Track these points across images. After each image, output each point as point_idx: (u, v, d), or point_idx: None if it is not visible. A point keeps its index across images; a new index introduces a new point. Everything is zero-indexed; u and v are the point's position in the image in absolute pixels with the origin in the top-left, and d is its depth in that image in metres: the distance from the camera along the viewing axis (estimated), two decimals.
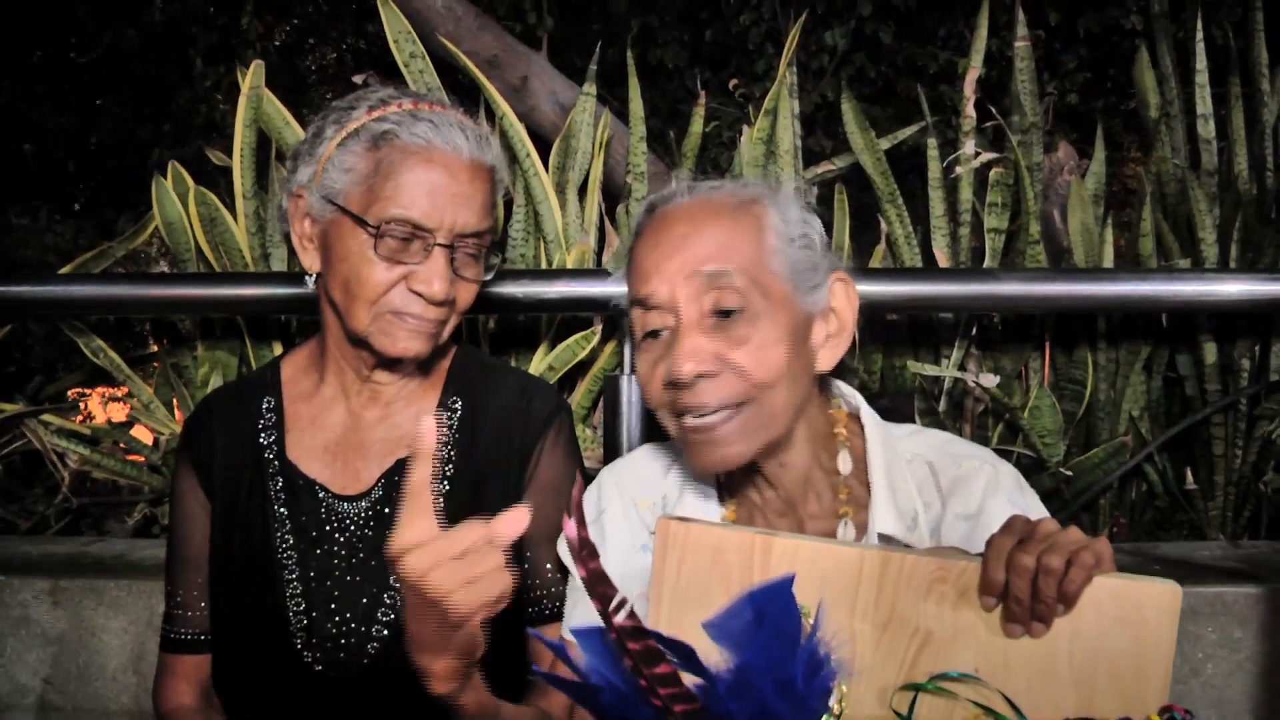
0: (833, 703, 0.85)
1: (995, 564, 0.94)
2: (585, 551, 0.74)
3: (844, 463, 1.25)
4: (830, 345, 1.22)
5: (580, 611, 1.31)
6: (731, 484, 1.29)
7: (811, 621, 0.81)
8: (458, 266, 1.32)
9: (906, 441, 1.27)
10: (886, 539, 1.19)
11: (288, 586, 1.33)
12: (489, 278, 1.40)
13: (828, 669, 0.80)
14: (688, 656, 0.76)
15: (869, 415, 1.28)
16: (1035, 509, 1.20)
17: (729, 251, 1.15)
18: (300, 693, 1.32)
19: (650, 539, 1.25)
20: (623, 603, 0.74)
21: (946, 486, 1.23)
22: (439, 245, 1.29)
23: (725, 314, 1.14)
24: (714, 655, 0.78)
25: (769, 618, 0.75)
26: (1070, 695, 0.91)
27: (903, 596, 0.97)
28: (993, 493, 1.20)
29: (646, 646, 0.74)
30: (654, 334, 1.19)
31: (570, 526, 0.75)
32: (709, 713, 0.77)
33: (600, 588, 0.74)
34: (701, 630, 0.78)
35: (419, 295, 1.29)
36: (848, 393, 1.31)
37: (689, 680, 0.77)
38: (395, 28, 2.12)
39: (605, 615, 0.74)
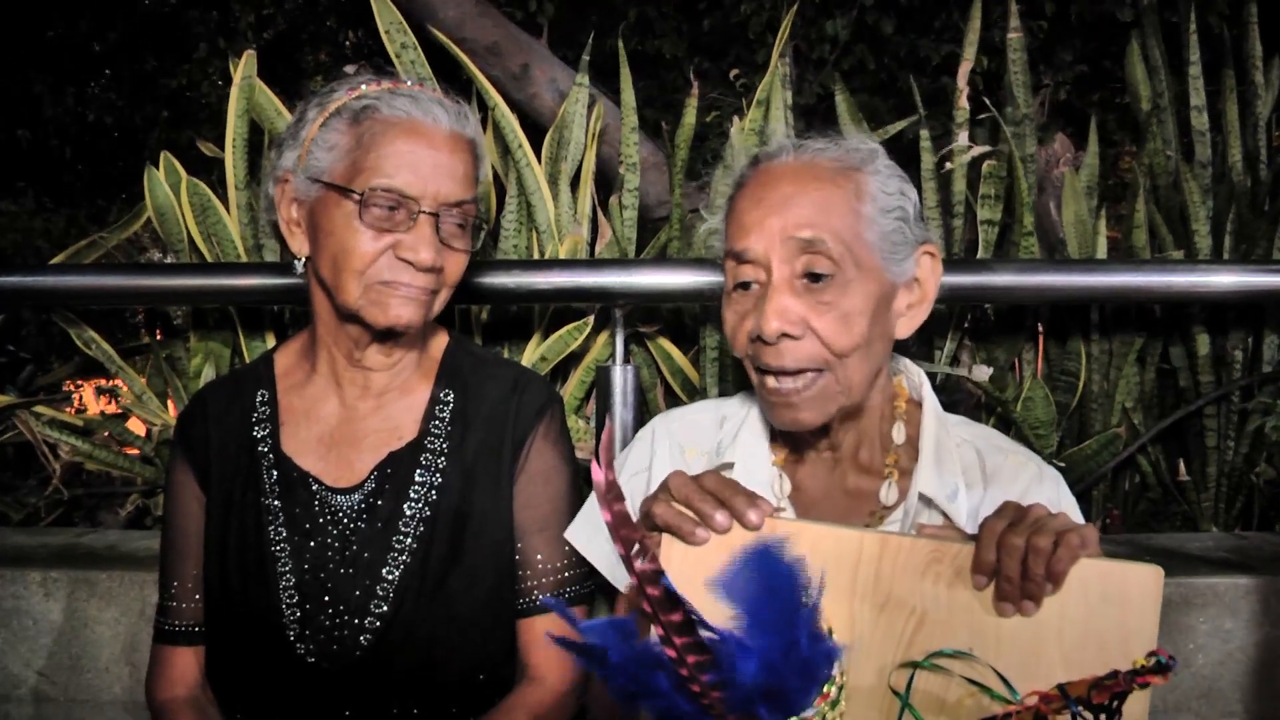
0: (835, 673, 0.86)
1: (987, 545, 0.98)
2: (611, 495, 0.75)
3: (899, 432, 1.30)
4: (911, 314, 1.26)
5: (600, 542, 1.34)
6: (787, 433, 1.32)
7: (813, 593, 0.82)
8: (444, 236, 1.32)
9: (959, 428, 1.32)
10: (926, 501, 1.24)
11: (281, 579, 1.34)
12: (477, 247, 1.42)
13: (829, 635, 0.81)
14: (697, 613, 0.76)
15: (930, 397, 1.32)
16: (1072, 512, 1.23)
17: (827, 217, 1.17)
18: (294, 684, 1.32)
19: None
20: (645, 547, 0.74)
21: (990, 472, 1.27)
22: (424, 213, 1.30)
23: (815, 278, 1.17)
24: (725, 611, 0.80)
25: (777, 572, 0.77)
26: (1059, 672, 0.95)
27: (900, 577, 1.00)
28: (1035, 490, 1.25)
29: (665, 593, 0.74)
30: (745, 285, 1.22)
31: (597, 470, 0.76)
32: (720, 666, 0.77)
33: (624, 531, 0.75)
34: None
35: (407, 263, 1.30)
36: (913, 371, 1.35)
37: (703, 633, 0.78)
38: (386, 19, 2.12)
39: (627, 560, 0.74)
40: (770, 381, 1.20)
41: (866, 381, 1.22)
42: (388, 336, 1.37)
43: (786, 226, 1.17)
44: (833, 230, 1.16)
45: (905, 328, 1.26)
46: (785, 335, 1.16)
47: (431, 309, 1.36)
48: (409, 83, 1.37)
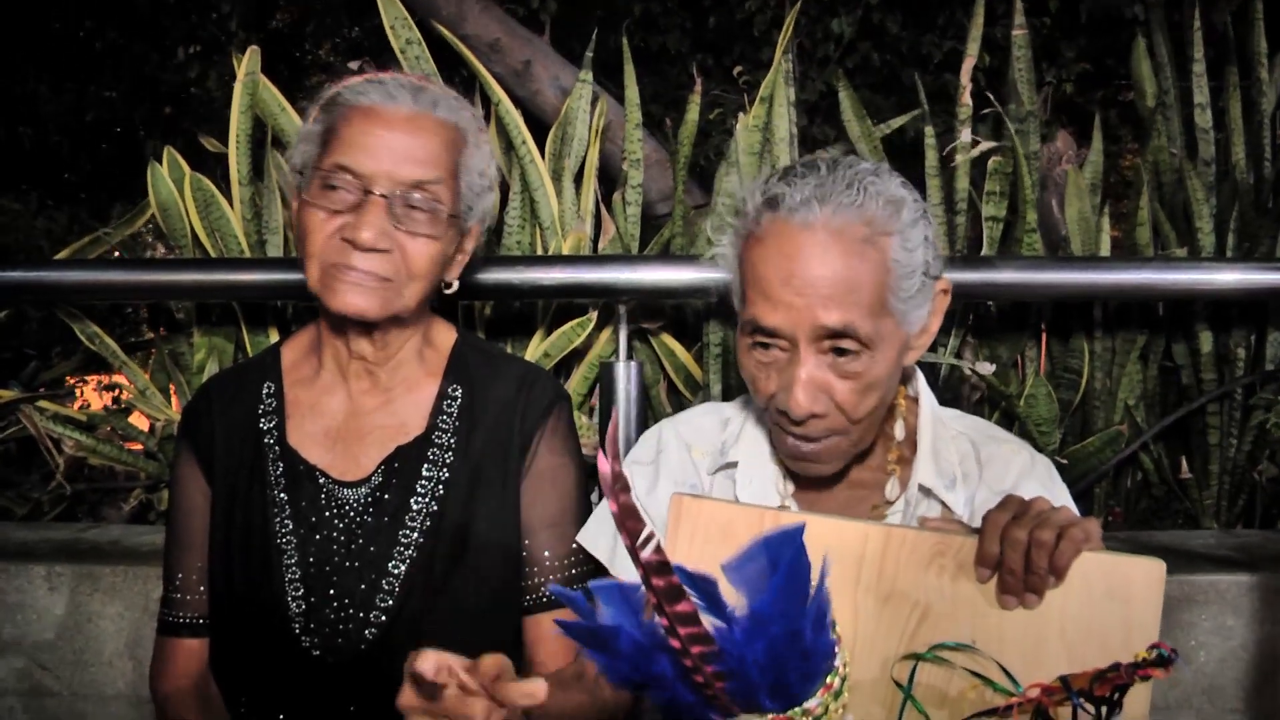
0: (838, 664, 0.86)
1: (990, 538, 0.99)
2: (618, 486, 0.75)
3: (899, 430, 1.31)
4: (918, 347, 1.26)
5: (624, 555, 1.33)
6: None
7: (815, 583, 0.82)
8: (400, 218, 1.30)
9: (954, 421, 1.34)
10: (925, 491, 1.26)
11: (287, 572, 1.34)
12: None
13: (831, 626, 0.82)
14: (710, 594, 0.76)
15: (925, 391, 1.34)
16: (1063, 501, 1.23)
17: (855, 297, 1.14)
18: (298, 678, 1.32)
19: (700, 480, 1.33)
20: (650, 537, 0.74)
21: (985, 460, 1.28)
22: (374, 194, 1.28)
23: (841, 352, 1.16)
24: (731, 600, 0.79)
25: (782, 561, 0.76)
26: (1062, 664, 0.95)
27: (904, 570, 1.01)
28: (1027, 477, 1.26)
29: (670, 584, 0.74)
30: (764, 345, 1.19)
31: (604, 461, 0.76)
32: (725, 656, 0.78)
33: (630, 523, 0.74)
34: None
35: (352, 244, 1.28)
36: (911, 372, 1.36)
37: (707, 623, 0.78)
38: (391, 14, 2.12)
39: (633, 550, 0.74)
40: (789, 439, 1.21)
41: (876, 427, 1.25)
42: (370, 327, 1.36)
43: (816, 313, 1.14)
44: (862, 310, 1.14)
45: (911, 358, 1.26)
46: (812, 415, 1.17)
47: (395, 301, 1.32)
48: (403, 75, 1.37)
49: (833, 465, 1.23)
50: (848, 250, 1.14)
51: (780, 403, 1.18)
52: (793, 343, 1.16)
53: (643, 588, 0.76)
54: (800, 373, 1.15)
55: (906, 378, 1.36)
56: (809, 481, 1.32)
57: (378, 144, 1.29)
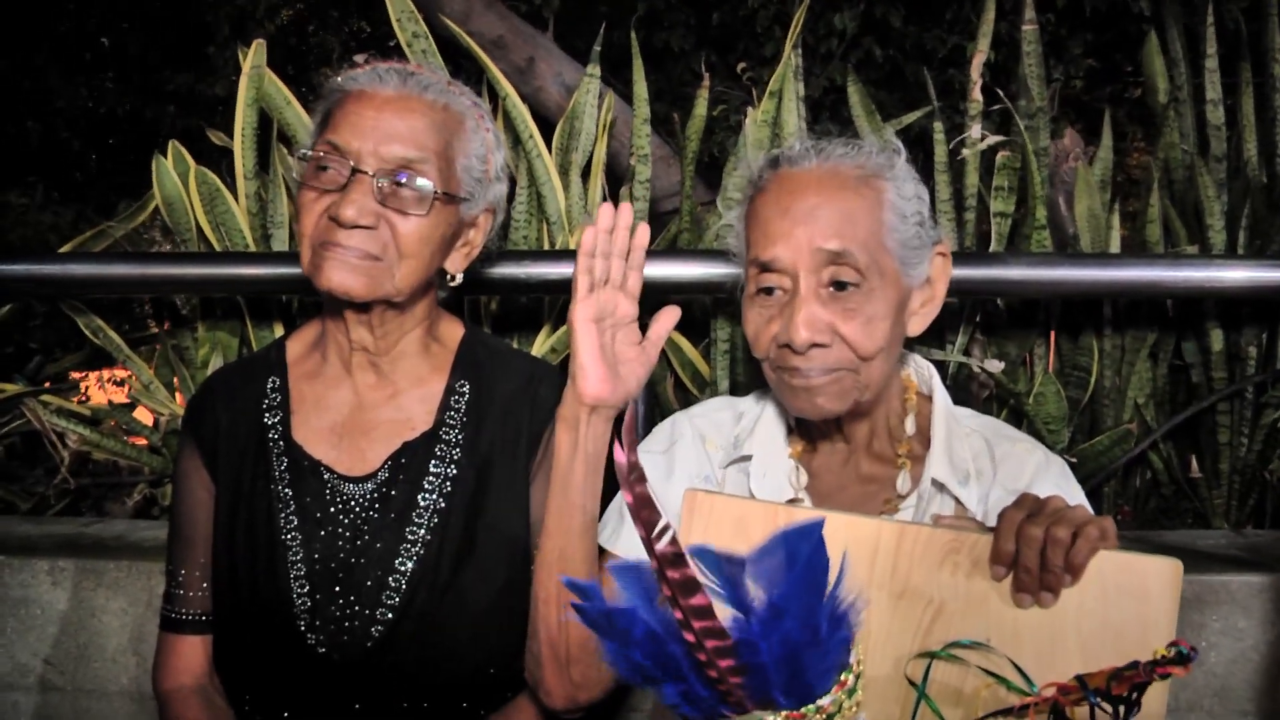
0: (853, 660, 0.85)
1: (1006, 535, 0.99)
2: (634, 476, 0.74)
3: (910, 424, 1.32)
4: (923, 313, 1.29)
5: (626, 537, 1.34)
6: (803, 428, 1.35)
7: (834, 578, 0.82)
8: (387, 196, 1.30)
9: (968, 419, 1.35)
10: (939, 486, 1.26)
11: (292, 568, 1.33)
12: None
13: (849, 623, 0.81)
14: (732, 578, 0.76)
15: (939, 389, 1.35)
16: (1078, 500, 1.24)
17: (852, 227, 1.19)
18: (303, 675, 1.31)
19: (713, 472, 1.35)
20: (666, 528, 0.74)
21: (999, 458, 1.29)
22: (360, 172, 1.29)
23: (841, 286, 1.20)
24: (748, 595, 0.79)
25: (800, 556, 0.76)
26: (1077, 663, 0.95)
27: (918, 567, 1.00)
28: (1042, 476, 1.26)
29: (685, 575, 0.74)
30: (768, 291, 1.24)
31: (620, 452, 0.75)
32: (740, 649, 0.77)
33: (645, 513, 0.74)
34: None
35: (337, 222, 1.29)
36: (922, 365, 1.38)
37: (723, 616, 0.78)
38: (398, 7, 2.11)
39: (648, 541, 0.74)
40: (793, 378, 1.22)
41: (883, 380, 1.25)
42: (365, 311, 1.35)
43: (814, 238, 1.19)
44: (859, 241, 1.19)
45: (917, 326, 1.28)
46: (815, 345, 1.19)
47: (385, 281, 1.32)
48: (403, 63, 1.38)
49: (838, 403, 1.23)
50: (843, 185, 1.21)
51: (782, 337, 1.20)
52: (793, 279, 1.20)
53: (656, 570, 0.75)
54: (800, 303, 1.19)
55: (901, 356, 1.35)
56: (821, 475, 1.31)
57: (365, 123, 1.30)
